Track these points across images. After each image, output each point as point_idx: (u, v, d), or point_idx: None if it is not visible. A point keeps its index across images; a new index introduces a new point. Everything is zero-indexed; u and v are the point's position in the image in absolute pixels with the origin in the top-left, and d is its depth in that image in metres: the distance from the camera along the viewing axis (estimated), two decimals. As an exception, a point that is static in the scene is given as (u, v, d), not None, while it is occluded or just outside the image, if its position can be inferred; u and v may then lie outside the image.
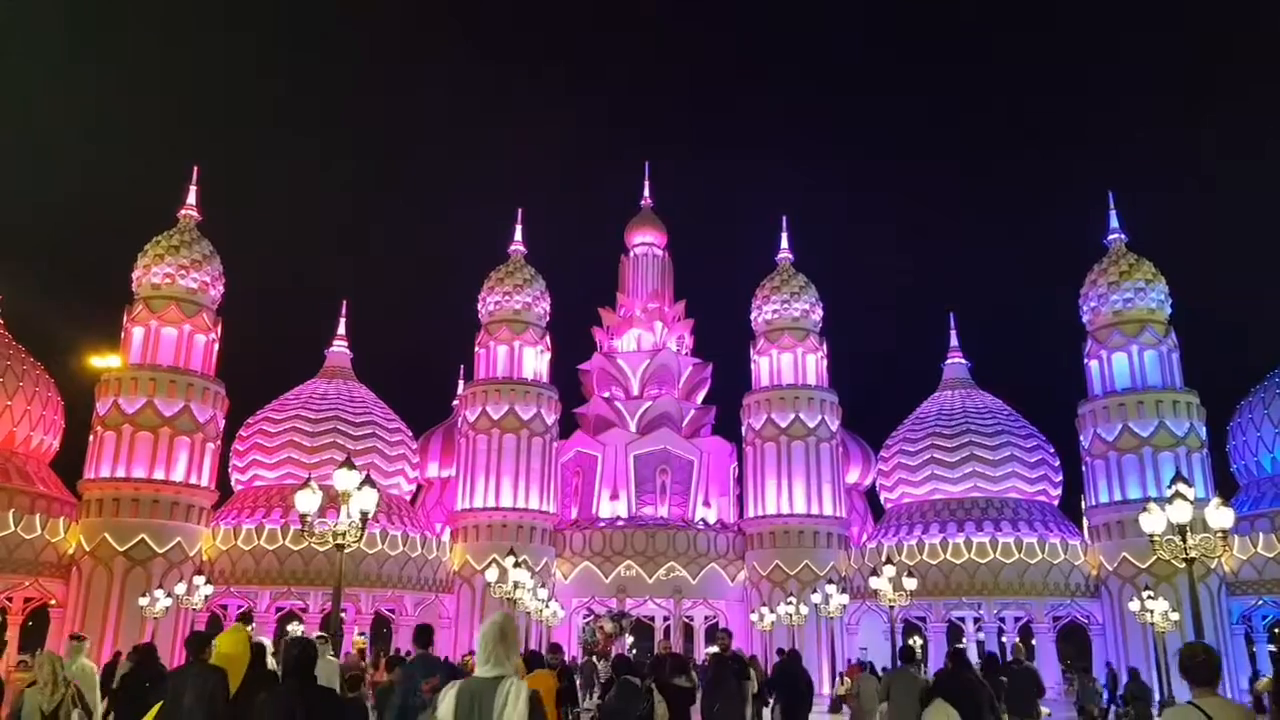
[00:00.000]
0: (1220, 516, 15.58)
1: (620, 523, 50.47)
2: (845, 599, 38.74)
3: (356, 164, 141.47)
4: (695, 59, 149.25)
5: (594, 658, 34.99)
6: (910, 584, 28.56)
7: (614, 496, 52.28)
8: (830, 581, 39.66)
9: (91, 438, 42.09)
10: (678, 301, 62.43)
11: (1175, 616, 34.75)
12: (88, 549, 40.05)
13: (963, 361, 56.25)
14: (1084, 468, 45.69)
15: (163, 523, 40.53)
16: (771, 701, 17.20)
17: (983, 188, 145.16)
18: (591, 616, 46.06)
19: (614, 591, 47.36)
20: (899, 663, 13.11)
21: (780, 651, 20.35)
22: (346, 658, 22.70)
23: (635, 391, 57.32)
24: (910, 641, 56.90)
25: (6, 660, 34.00)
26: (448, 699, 5.23)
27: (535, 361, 49.99)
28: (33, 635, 45.55)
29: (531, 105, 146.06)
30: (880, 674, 19.42)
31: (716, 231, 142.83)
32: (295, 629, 45.75)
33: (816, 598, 38.79)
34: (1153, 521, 16.16)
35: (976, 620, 47.31)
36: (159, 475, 40.92)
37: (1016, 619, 49.36)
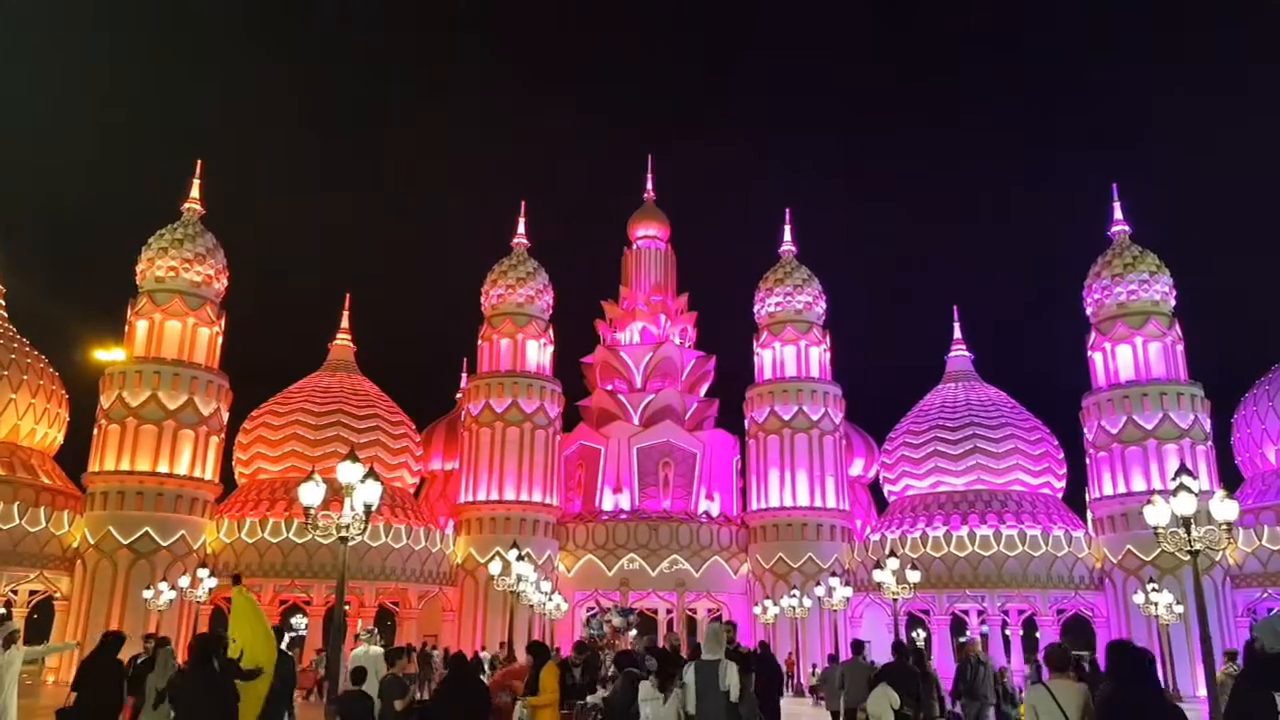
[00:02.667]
0: (1225, 509, 15.48)
1: (623, 515, 50.45)
2: (849, 592, 38.70)
3: (359, 157, 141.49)
4: (698, 52, 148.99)
5: (599, 651, 35.14)
6: (914, 577, 28.52)
7: (617, 489, 52.27)
8: (834, 574, 39.65)
9: (96, 431, 42.20)
10: (680, 294, 62.32)
11: (1180, 609, 34.67)
12: (92, 542, 40.18)
13: (966, 354, 56.21)
14: (1088, 460, 45.65)
15: (167, 516, 40.63)
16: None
17: (986, 181, 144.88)
18: (598, 612, 46.12)
19: (617, 584, 47.36)
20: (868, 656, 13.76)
21: (761, 645, 21.30)
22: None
23: (638, 384, 57.28)
24: (914, 634, 57.03)
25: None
26: (689, 674, 8.59)
27: (538, 354, 50.02)
28: (37, 628, 45.68)
29: (534, 98, 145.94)
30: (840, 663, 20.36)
31: (719, 225, 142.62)
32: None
33: (820, 590, 38.81)
34: (1157, 514, 16.08)
35: (980, 613, 47.32)
36: (163, 468, 41.04)
37: (1020, 611, 49.37)
